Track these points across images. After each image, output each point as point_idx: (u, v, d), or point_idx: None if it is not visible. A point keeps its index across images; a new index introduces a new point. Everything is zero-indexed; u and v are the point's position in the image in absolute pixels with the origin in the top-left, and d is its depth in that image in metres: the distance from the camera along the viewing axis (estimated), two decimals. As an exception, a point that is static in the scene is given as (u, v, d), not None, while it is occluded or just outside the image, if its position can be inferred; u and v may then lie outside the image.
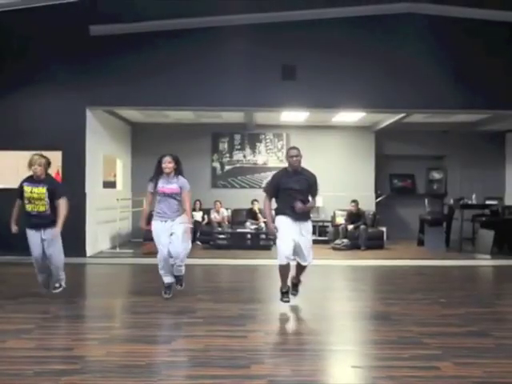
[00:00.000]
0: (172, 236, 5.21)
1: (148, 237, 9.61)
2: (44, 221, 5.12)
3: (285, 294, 4.95)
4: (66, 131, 8.73)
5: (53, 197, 5.11)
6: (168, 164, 5.21)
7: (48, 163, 5.24)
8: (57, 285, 5.35)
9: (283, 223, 4.82)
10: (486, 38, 8.66)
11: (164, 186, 5.22)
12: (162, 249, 5.18)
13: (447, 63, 8.71)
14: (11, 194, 8.77)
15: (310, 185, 4.99)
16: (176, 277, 5.38)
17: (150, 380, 3.07)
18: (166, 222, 5.23)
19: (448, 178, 12.39)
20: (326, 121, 11.34)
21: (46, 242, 5.12)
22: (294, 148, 5.12)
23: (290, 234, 4.76)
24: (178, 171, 5.31)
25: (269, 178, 5.42)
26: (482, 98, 8.80)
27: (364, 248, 10.01)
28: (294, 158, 4.94)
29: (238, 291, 6.02)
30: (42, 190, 5.04)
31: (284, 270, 4.85)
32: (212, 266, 8.26)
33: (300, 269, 5.03)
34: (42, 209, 5.08)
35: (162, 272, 5.30)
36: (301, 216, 4.83)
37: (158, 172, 5.27)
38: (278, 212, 4.96)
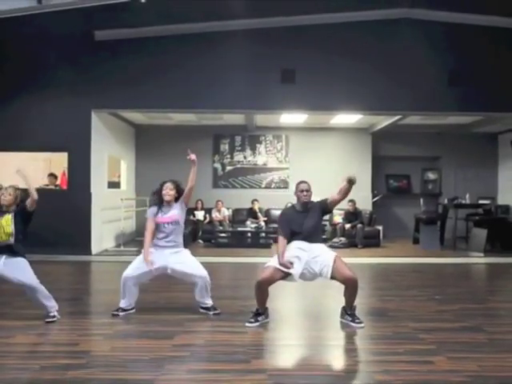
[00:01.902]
0: (182, 264, 4.53)
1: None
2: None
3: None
4: (72, 133, 8.74)
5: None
6: (169, 191, 4.65)
7: (18, 198, 4.54)
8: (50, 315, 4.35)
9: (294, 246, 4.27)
10: (480, 43, 8.68)
11: (164, 215, 4.59)
12: (128, 271, 4.51)
13: (442, 67, 8.72)
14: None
15: (320, 211, 4.41)
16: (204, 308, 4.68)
17: (154, 374, 3.07)
18: (163, 249, 4.56)
19: (442, 178, 12.38)
20: (324, 123, 11.35)
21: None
22: (304, 182, 4.51)
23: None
24: (178, 198, 4.70)
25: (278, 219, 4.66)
26: (475, 100, 8.80)
27: (361, 246, 10.02)
28: (305, 193, 4.37)
29: (239, 288, 6.05)
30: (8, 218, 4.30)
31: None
32: (213, 263, 8.23)
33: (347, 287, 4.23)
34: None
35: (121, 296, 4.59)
36: (313, 238, 4.30)
37: (160, 199, 4.67)
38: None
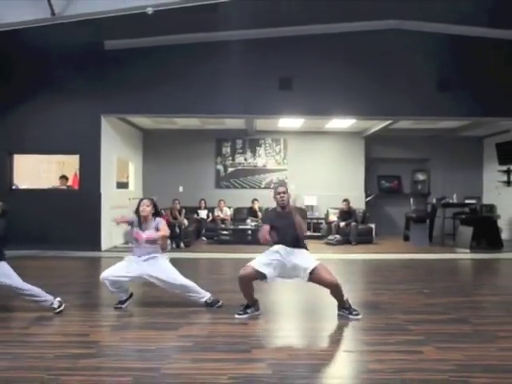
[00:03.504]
0: (157, 271, 4.43)
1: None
2: None
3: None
4: (83, 137, 8.76)
5: None
6: (145, 207, 4.52)
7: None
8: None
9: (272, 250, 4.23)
10: (467, 52, 8.68)
11: (139, 232, 4.51)
12: (108, 271, 4.44)
13: (431, 74, 8.74)
14: (33, 193, 8.91)
15: (297, 219, 4.24)
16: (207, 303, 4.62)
17: (160, 363, 3.08)
18: (140, 257, 4.47)
19: (431, 179, 12.39)
20: (320, 127, 11.36)
21: None
22: (281, 185, 4.47)
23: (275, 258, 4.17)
24: (155, 214, 4.61)
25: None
26: (462, 106, 8.82)
27: (355, 243, 10.02)
28: (282, 194, 4.28)
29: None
30: None
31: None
32: (216, 259, 8.27)
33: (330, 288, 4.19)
34: None
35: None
36: (294, 243, 4.21)
37: (139, 215, 4.56)
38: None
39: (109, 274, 4.41)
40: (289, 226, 4.21)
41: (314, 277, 4.07)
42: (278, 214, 4.34)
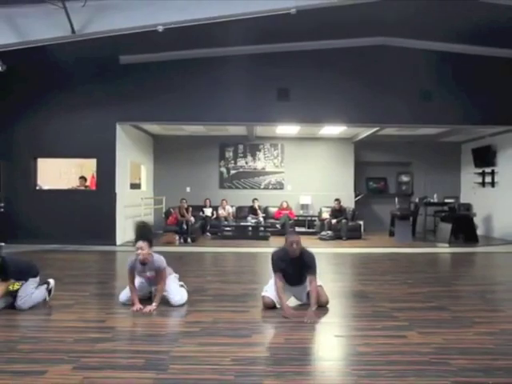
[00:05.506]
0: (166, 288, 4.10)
1: (167, 229, 9.69)
2: None
3: None
4: (100, 142, 8.76)
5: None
6: (141, 251, 3.91)
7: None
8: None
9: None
10: (447, 65, 8.70)
11: (142, 273, 4.09)
12: (123, 296, 4.16)
13: (414, 86, 8.74)
14: (54, 193, 8.92)
15: (306, 266, 3.94)
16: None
17: (169, 346, 3.08)
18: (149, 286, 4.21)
19: (414, 180, 12.39)
20: (314, 133, 11.36)
21: None
22: (294, 234, 4.05)
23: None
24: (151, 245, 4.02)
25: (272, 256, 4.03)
26: (442, 114, 8.83)
27: (345, 238, 10.02)
28: (295, 246, 3.87)
29: (241, 274, 6.05)
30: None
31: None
32: (219, 253, 8.27)
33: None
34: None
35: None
36: (296, 282, 4.04)
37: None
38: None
39: (125, 298, 4.14)
40: (298, 273, 3.97)
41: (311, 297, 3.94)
42: (286, 259, 3.95)
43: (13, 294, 3.93)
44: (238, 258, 7.82)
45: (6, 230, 8.09)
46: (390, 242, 9.60)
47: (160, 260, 4.03)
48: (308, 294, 4.06)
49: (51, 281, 4.32)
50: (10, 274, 3.91)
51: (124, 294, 4.18)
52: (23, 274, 4.00)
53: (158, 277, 4.05)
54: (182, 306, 4.11)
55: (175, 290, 4.17)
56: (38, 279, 4.12)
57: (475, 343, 3.16)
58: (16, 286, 3.93)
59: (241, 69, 8.50)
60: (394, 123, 9.31)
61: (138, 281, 4.17)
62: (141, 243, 3.93)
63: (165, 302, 4.14)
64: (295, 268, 3.95)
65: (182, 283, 4.38)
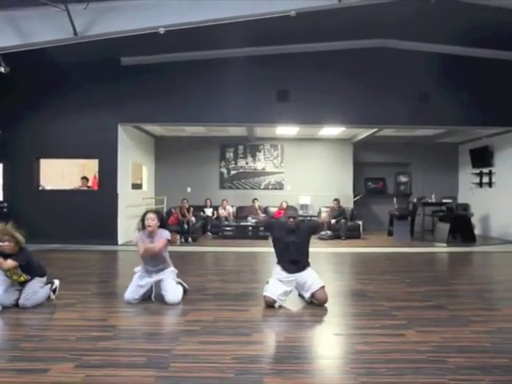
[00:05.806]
0: (163, 283, 4.21)
1: (168, 229, 9.66)
2: None
3: None
4: (102, 143, 8.76)
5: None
6: (151, 222, 4.16)
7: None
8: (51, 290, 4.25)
9: (276, 279, 4.13)
10: (445, 67, 8.70)
11: (150, 243, 4.21)
12: (128, 295, 4.19)
13: (413, 87, 8.75)
14: (57, 194, 8.92)
15: (307, 232, 4.21)
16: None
17: (170, 345, 3.08)
18: (149, 277, 4.27)
19: (412, 181, 12.39)
20: (313, 134, 11.35)
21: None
22: (292, 209, 4.24)
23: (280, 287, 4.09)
24: (161, 226, 4.26)
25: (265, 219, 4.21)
26: (441, 115, 8.84)
27: (344, 238, 10.02)
28: (292, 220, 4.12)
29: (242, 273, 6.04)
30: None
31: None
32: (220, 252, 8.27)
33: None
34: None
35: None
36: (297, 268, 4.13)
37: (143, 226, 4.23)
38: (277, 262, 4.23)
39: (131, 297, 4.17)
40: (296, 239, 4.11)
41: (313, 295, 4.09)
42: (285, 228, 4.16)
43: (16, 286, 4.01)
44: (238, 257, 7.82)
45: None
46: (389, 242, 9.59)
47: (165, 232, 4.25)
48: (312, 294, 4.11)
49: (56, 281, 4.37)
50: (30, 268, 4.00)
51: (129, 293, 4.21)
52: (32, 269, 4.06)
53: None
54: (176, 304, 4.11)
55: (170, 288, 4.19)
56: (44, 279, 4.19)
57: (472, 341, 3.16)
58: (22, 279, 4.01)
59: (241, 70, 8.50)
60: (392, 124, 9.32)
61: (138, 283, 4.23)
62: (151, 214, 4.20)
63: (162, 300, 4.16)
64: (295, 236, 4.09)
65: (179, 280, 4.40)
